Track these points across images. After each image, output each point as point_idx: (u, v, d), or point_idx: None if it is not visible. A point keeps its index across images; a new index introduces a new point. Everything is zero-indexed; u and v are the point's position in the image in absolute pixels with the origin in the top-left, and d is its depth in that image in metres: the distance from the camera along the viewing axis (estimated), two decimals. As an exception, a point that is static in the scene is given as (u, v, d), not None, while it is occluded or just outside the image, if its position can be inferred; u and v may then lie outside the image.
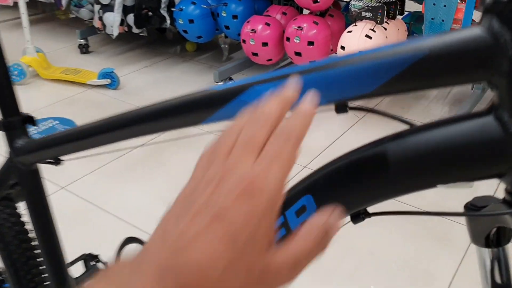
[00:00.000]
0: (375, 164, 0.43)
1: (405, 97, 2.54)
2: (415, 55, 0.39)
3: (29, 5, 2.77)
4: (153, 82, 2.75)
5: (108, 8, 2.68)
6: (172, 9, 2.67)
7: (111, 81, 2.61)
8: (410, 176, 0.42)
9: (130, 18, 2.71)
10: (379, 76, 0.41)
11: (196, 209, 0.31)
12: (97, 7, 2.73)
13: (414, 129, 0.43)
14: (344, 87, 0.43)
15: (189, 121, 0.54)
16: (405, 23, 2.31)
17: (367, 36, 2.06)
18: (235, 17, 2.54)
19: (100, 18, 2.74)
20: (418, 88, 0.42)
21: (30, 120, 0.69)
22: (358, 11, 2.10)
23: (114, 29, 2.71)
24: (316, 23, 2.25)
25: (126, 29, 2.79)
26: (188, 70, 2.91)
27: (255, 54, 2.42)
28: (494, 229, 0.50)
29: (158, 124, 0.58)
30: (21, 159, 0.70)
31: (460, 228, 1.59)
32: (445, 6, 2.09)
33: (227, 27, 2.61)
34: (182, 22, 2.62)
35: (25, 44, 2.68)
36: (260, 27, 2.35)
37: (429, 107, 2.46)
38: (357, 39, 2.07)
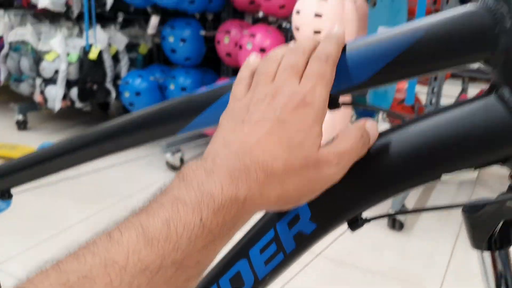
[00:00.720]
0: (376, 158, 0.39)
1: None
2: (410, 38, 0.37)
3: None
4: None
5: (51, 81, 2.61)
6: (118, 82, 2.63)
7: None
8: (414, 167, 0.38)
9: (74, 92, 2.65)
10: (373, 64, 0.38)
11: (255, 120, 0.37)
12: (38, 81, 2.65)
13: (415, 119, 0.39)
14: (337, 79, 0.39)
15: (167, 132, 0.48)
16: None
17: None
18: (183, 89, 2.54)
19: (42, 92, 2.65)
20: (414, 74, 0.39)
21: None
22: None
23: (56, 103, 2.62)
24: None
25: (69, 103, 2.70)
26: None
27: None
28: (498, 228, 0.45)
29: (131, 138, 0.51)
30: None
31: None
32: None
33: (174, 100, 2.59)
34: (128, 95, 2.58)
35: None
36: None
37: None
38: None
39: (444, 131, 0.37)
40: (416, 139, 0.38)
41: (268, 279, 0.44)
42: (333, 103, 0.40)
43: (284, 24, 2.56)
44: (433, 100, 2.27)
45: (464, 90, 3.49)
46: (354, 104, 0.46)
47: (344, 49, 0.39)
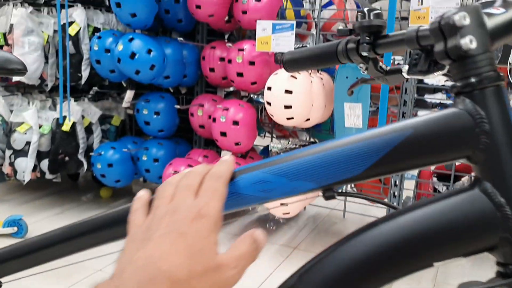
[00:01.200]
0: (368, 250, 0.42)
1: (327, 236, 2.60)
2: (401, 134, 0.42)
3: None
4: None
5: (21, 153, 2.59)
6: (91, 153, 2.64)
7: (18, 229, 2.41)
8: (406, 257, 0.42)
9: (44, 164, 2.63)
10: (367, 158, 0.43)
11: (158, 235, 0.41)
12: (8, 152, 2.63)
13: (402, 210, 0.43)
14: (333, 171, 0.44)
15: None
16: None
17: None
18: (156, 160, 2.56)
19: (11, 164, 2.62)
20: (404, 169, 0.44)
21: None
22: (277, 153, 2.22)
23: (26, 175, 2.59)
24: (238, 164, 2.31)
25: (38, 175, 2.67)
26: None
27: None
28: None
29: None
30: None
31: None
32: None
33: (147, 171, 2.61)
34: (100, 167, 2.58)
35: None
36: (182, 168, 2.38)
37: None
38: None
39: (434, 222, 0.41)
40: (408, 230, 0.41)
41: None
42: (329, 194, 0.45)
43: (255, 98, 2.67)
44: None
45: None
46: (350, 195, 0.50)
47: (341, 142, 0.44)
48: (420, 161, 0.43)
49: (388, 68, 0.65)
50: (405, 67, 0.62)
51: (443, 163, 0.43)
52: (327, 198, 0.46)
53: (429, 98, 4.09)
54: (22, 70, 0.74)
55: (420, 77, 0.59)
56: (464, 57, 0.42)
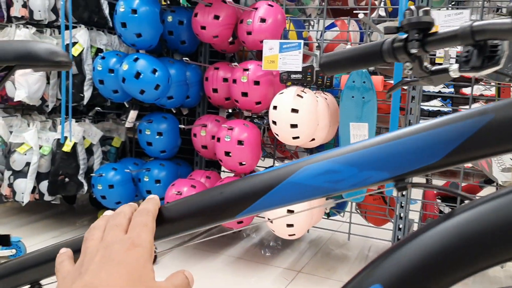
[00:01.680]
0: (448, 239, 0.40)
1: (330, 259, 2.56)
2: (481, 119, 0.41)
3: None
4: (64, 252, 2.52)
5: (21, 174, 2.54)
6: (91, 174, 2.60)
7: (16, 251, 2.35)
8: (489, 247, 0.40)
9: (43, 185, 2.58)
10: (445, 145, 0.41)
11: (93, 269, 0.41)
12: (7, 173, 2.58)
13: (483, 199, 0.42)
14: (408, 159, 0.42)
15: (225, 216, 0.49)
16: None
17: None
18: (158, 181, 2.53)
19: (10, 185, 2.57)
20: (483, 156, 0.42)
21: (3, 240, 0.58)
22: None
23: (25, 196, 2.54)
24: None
25: (37, 196, 2.62)
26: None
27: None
28: None
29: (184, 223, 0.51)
30: None
31: None
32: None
33: (148, 192, 2.57)
34: (101, 188, 2.54)
35: None
36: (185, 189, 2.35)
37: (353, 268, 2.49)
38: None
39: None
40: (491, 219, 0.38)
41: None
42: (401, 185, 0.43)
43: (256, 120, 2.66)
44: (404, 192, 2.36)
45: (427, 181, 3.63)
46: (423, 186, 0.49)
47: (418, 128, 0.42)
48: (501, 148, 0.42)
49: (434, 67, 0.64)
50: (453, 66, 0.62)
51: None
52: (399, 189, 0.44)
53: (425, 106, 4.10)
54: (68, 63, 0.72)
55: (472, 74, 0.58)
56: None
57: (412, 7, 0.60)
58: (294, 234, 2.20)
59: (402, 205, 2.32)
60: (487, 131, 0.40)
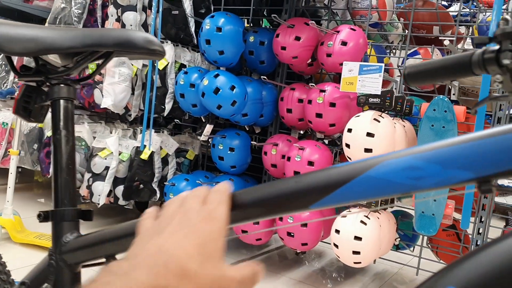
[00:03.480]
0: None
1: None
2: None
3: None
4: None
5: (99, 177, 2.68)
6: (165, 183, 2.69)
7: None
8: None
9: (119, 190, 2.70)
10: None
11: (170, 230, 0.43)
12: (87, 175, 2.73)
13: None
14: (495, 160, 0.40)
15: (298, 205, 0.49)
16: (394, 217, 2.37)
17: (361, 222, 2.09)
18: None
19: (88, 187, 2.71)
20: None
21: (87, 214, 0.62)
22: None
23: (101, 199, 2.67)
24: None
25: (112, 200, 2.75)
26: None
27: (245, 232, 2.38)
28: None
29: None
30: (67, 257, 0.60)
31: None
32: (435, 201, 2.18)
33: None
34: (172, 196, 2.62)
35: (4, 205, 2.57)
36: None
37: None
38: (352, 224, 2.09)
39: None
40: None
41: None
42: (486, 188, 0.41)
43: (327, 142, 2.64)
44: (480, 230, 2.23)
45: (508, 223, 3.42)
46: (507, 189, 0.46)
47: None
48: None
49: (527, 82, 0.62)
50: (549, 81, 0.59)
51: None
52: (483, 191, 0.42)
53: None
54: (162, 52, 0.76)
55: None
56: None
57: (507, 16, 0.59)
58: (360, 262, 2.13)
59: (478, 243, 2.19)
60: None
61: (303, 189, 0.49)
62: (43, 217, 0.62)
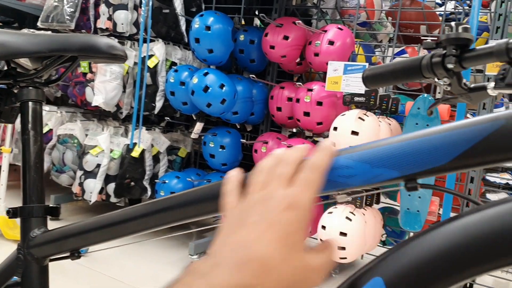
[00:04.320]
0: (453, 240, 0.41)
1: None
2: (492, 125, 0.41)
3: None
4: (123, 253, 2.64)
5: (91, 174, 2.71)
6: (156, 180, 2.72)
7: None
8: (492, 251, 0.40)
9: (111, 187, 2.73)
10: (454, 147, 0.42)
11: (251, 222, 0.41)
12: (79, 173, 2.76)
13: (490, 204, 0.42)
14: (418, 160, 0.43)
15: None
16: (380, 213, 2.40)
17: (347, 218, 2.12)
18: (216, 193, 2.60)
19: (80, 184, 2.74)
20: (493, 161, 0.42)
21: (54, 211, 0.65)
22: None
23: (93, 196, 2.70)
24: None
25: (104, 197, 2.78)
26: (160, 245, 2.83)
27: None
28: None
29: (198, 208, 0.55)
30: (34, 251, 0.63)
31: None
32: (419, 197, 2.21)
33: (207, 203, 2.65)
34: (163, 194, 2.65)
35: (-3, 202, 2.61)
36: (242, 203, 2.39)
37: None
38: (338, 220, 2.12)
39: None
40: (496, 223, 0.38)
41: None
42: (411, 185, 0.44)
43: (318, 140, 2.67)
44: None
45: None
46: (433, 187, 0.49)
47: (428, 131, 0.44)
48: (510, 155, 0.42)
49: (473, 85, 0.65)
50: (491, 84, 0.62)
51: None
52: (409, 189, 0.45)
53: (492, 197, 3.86)
54: (123, 57, 0.79)
55: (507, 91, 0.58)
56: None
57: (452, 23, 0.62)
58: (345, 258, 2.16)
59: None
60: (497, 137, 0.41)
61: None
62: (12, 213, 0.66)
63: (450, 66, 0.61)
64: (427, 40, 0.64)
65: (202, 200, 0.57)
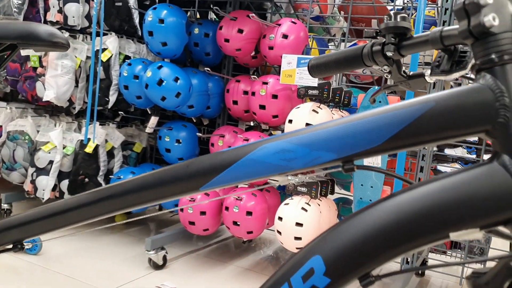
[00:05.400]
0: (389, 219, 0.43)
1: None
2: (423, 107, 0.44)
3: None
4: (78, 251, 2.59)
5: (43, 171, 2.64)
6: (111, 176, 2.68)
7: (32, 245, 2.43)
8: (423, 227, 0.42)
9: (64, 184, 2.67)
10: (388, 129, 0.44)
11: None
12: (31, 170, 2.68)
13: (421, 183, 0.44)
14: (353, 142, 0.45)
15: (190, 188, 0.53)
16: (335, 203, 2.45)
17: (303, 208, 2.15)
18: (173, 187, 2.59)
19: (33, 182, 2.67)
20: (425, 142, 0.45)
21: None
22: (294, 185, 2.22)
23: (46, 193, 2.63)
24: (255, 195, 2.33)
25: (57, 194, 2.71)
26: (116, 241, 2.79)
27: (192, 223, 2.41)
28: None
29: (155, 193, 0.55)
30: None
31: None
32: (372, 187, 2.27)
33: (164, 198, 2.63)
34: (118, 190, 2.61)
35: None
36: (199, 196, 2.39)
37: (362, 286, 2.47)
38: (294, 211, 2.15)
39: (451, 194, 0.42)
40: (426, 201, 0.42)
41: None
42: (348, 167, 0.46)
43: (274, 133, 2.70)
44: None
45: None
46: (370, 168, 0.51)
47: (363, 114, 0.46)
48: (441, 135, 0.44)
49: (411, 72, 0.67)
50: (428, 71, 0.64)
51: (462, 137, 0.44)
52: (346, 170, 0.47)
53: (449, 152, 4.05)
54: (65, 45, 0.78)
55: (442, 78, 0.60)
56: (486, 34, 0.43)
57: (391, 12, 0.64)
58: (302, 248, 2.20)
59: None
60: (428, 118, 0.43)
61: (193, 173, 0.52)
62: None
63: (389, 54, 0.63)
64: (366, 30, 0.66)
65: (143, 189, 0.57)
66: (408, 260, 2.38)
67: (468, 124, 0.43)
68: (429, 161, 2.26)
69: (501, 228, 0.42)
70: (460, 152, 4.42)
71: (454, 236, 0.42)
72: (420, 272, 2.65)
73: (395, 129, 0.44)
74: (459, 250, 2.46)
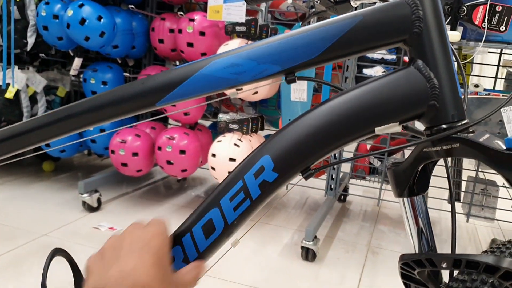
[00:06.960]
0: (323, 120, 0.51)
1: (270, 208, 2.70)
2: (352, 21, 0.51)
3: None
4: (9, 200, 2.53)
5: (-40, 120, 2.50)
6: (35, 122, 2.59)
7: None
8: (353, 124, 0.50)
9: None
10: (323, 42, 0.51)
11: (125, 252, 0.46)
12: None
13: (350, 88, 0.52)
14: (295, 54, 0.51)
15: (147, 103, 0.57)
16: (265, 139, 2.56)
17: (235, 144, 2.24)
18: (102, 130, 2.56)
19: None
20: (356, 52, 0.52)
21: None
22: (226, 123, 2.29)
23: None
24: (187, 134, 2.37)
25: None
26: (47, 188, 2.75)
27: (125, 165, 2.42)
28: (417, 176, 0.58)
29: (114, 110, 0.59)
30: None
31: None
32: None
33: (93, 141, 2.60)
34: (45, 135, 2.54)
35: None
36: (130, 138, 2.40)
37: (290, 215, 2.64)
38: (227, 147, 2.23)
39: (375, 94, 0.50)
40: (354, 102, 0.50)
41: (236, 224, 0.54)
42: (291, 78, 0.52)
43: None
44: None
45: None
46: (308, 79, 0.58)
47: (300, 30, 0.52)
48: (368, 45, 0.52)
49: (339, -2, 0.74)
50: (352, -5, 0.71)
51: (386, 47, 0.52)
52: (288, 82, 0.53)
53: (368, 72, 4.27)
54: None
55: (366, 1, 0.68)
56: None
57: None
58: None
59: (336, 157, 2.47)
60: (357, 30, 0.50)
61: (149, 89, 0.57)
62: None
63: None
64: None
65: (102, 107, 0.60)
66: (332, 187, 2.57)
67: (390, 34, 0.51)
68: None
69: (416, 123, 0.52)
70: (378, 69, 4.67)
71: (378, 130, 0.50)
72: (341, 197, 2.87)
73: (329, 42, 0.50)
74: (377, 175, 2.68)
